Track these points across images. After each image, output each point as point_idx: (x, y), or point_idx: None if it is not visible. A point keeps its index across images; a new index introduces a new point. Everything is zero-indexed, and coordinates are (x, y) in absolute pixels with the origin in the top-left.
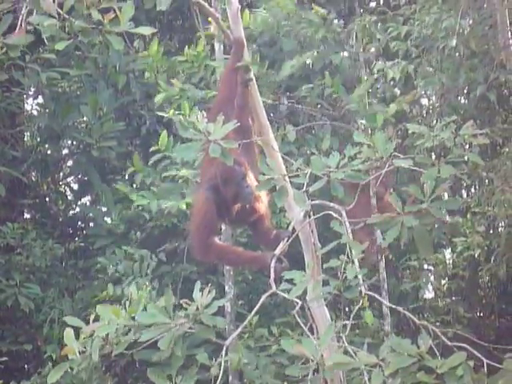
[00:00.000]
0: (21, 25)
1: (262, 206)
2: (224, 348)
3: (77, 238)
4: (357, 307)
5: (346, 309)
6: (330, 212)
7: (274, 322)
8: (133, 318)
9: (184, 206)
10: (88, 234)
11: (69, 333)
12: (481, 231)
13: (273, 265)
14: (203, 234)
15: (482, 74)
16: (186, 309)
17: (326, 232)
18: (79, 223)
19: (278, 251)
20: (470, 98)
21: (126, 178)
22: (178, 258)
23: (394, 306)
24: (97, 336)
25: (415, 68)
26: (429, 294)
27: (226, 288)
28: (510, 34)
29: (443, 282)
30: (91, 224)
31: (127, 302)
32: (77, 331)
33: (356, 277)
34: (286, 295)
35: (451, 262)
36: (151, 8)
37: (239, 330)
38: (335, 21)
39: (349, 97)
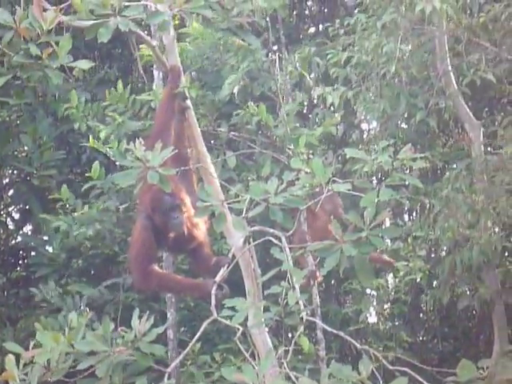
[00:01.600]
0: None
1: (201, 233)
2: (166, 375)
3: (18, 268)
4: (298, 333)
5: (289, 335)
6: (270, 238)
7: (217, 349)
8: (72, 346)
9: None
10: (29, 263)
11: (10, 359)
12: (422, 255)
13: (214, 292)
14: (142, 262)
15: (422, 100)
16: (123, 337)
17: (266, 257)
18: (21, 252)
19: (218, 278)
20: (411, 124)
21: (67, 206)
22: (119, 286)
23: (334, 331)
24: (37, 362)
25: (355, 94)
26: (371, 319)
27: (168, 315)
28: (448, 60)
29: (385, 306)
30: (33, 253)
31: (67, 329)
32: (18, 358)
33: (297, 303)
34: (227, 322)
35: (393, 286)
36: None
37: (181, 356)
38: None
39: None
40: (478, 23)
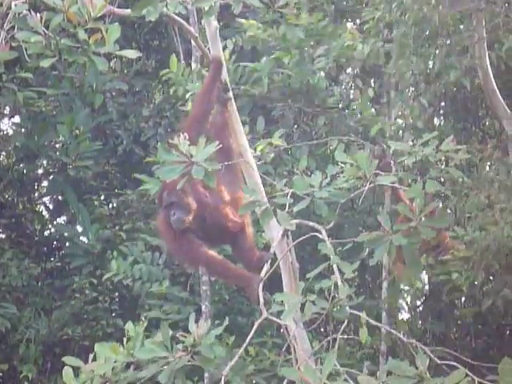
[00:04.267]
0: (4, 41)
1: (237, 224)
2: (222, 378)
3: (53, 258)
4: (342, 327)
5: (321, 329)
6: (316, 234)
7: (251, 342)
8: (131, 355)
9: None
10: (64, 253)
11: (68, 373)
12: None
13: (261, 289)
14: (178, 246)
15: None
16: (183, 342)
17: (301, 252)
18: (55, 243)
19: (263, 274)
20: (448, 118)
21: (102, 197)
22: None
23: (379, 324)
24: (96, 375)
25: (386, 49)
26: (405, 315)
27: (203, 308)
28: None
29: (419, 302)
30: (67, 243)
31: (124, 339)
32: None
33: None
34: (278, 320)
35: (427, 281)
36: (129, 27)
37: (236, 358)
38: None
39: (324, 117)
40: None
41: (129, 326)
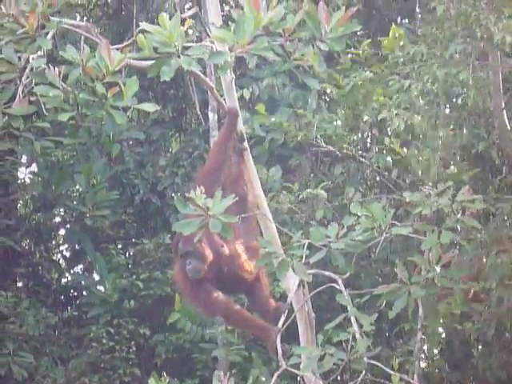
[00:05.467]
0: (22, 95)
1: (250, 274)
2: None
3: (70, 307)
4: (360, 377)
5: (338, 378)
6: (333, 284)
7: None
8: None
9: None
10: (81, 302)
11: None
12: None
13: (279, 341)
14: (194, 295)
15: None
16: None
17: (317, 301)
18: (72, 291)
19: (280, 325)
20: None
21: (119, 247)
22: (172, 326)
23: (396, 374)
24: None
25: (420, 120)
26: (422, 363)
27: (220, 358)
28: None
29: (436, 351)
30: (84, 292)
31: None
32: None
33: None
34: (297, 372)
35: (444, 330)
36: (145, 76)
37: None
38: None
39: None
40: None
41: (151, 382)
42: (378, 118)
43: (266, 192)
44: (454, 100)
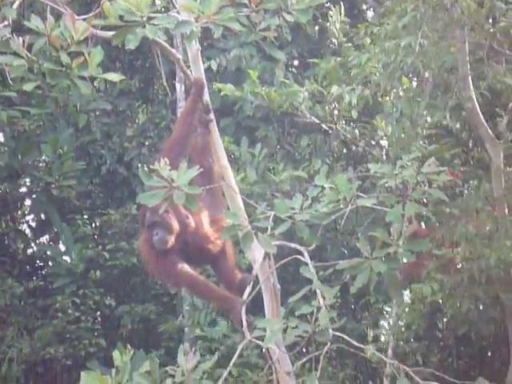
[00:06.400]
0: None
1: (216, 245)
2: None
3: (36, 277)
4: (325, 348)
5: (303, 350)
6: (298, 256)
7: (234, 363)
8: None
9: None
10: (47, 272)
11: None
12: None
13: (244, 312)
14: (159, 266)
15: (442, 102)
16: (173, 376)
17: (283, 272)
18: (38, 262)
19: (246, 297)
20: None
21: (86, 217)
22: (138, 297)
23: (362, 346)
24: None
25: (374, 95)
26: (386, 337)
27: (186, 329)
28: (468, 66)
29: (401, 323)
30: (50, 263)
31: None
32: None
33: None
34: (261, 343)
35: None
36: (112, 47)
37: (219, 383)
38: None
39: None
40: (501, 29)
41: (116, 354)
42: (331, 92)
43: (233, 164)
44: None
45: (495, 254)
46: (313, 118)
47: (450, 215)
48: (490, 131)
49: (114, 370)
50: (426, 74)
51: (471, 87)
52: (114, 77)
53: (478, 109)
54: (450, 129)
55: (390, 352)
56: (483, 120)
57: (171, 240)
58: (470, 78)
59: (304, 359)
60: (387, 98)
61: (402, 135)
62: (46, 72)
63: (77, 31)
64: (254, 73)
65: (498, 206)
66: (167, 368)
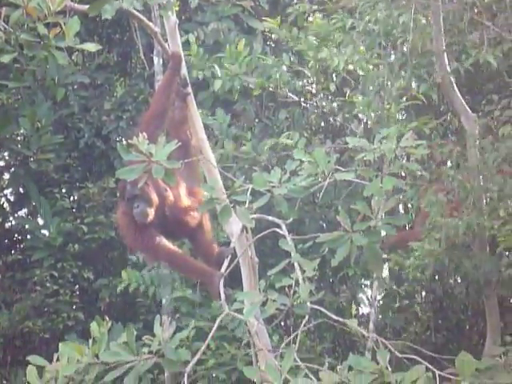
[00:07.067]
0: None
1: (194, 218)
2: (185, 375)
3: (14, 251)
4: (303, 322)
5: (282, 323)
6: (276, 229)
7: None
8: (97, 356)
9: None
10: (25, 246)
11: (31, 372)
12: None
13: (222, 285)
14: (138, 239)
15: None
16: (149, 345)
17: (261, 246)
18: (16, 235)
19: (224, 270)
20: (409, 113)
21: (64, 190)
22: (116, 270)
23: (341, 319)
24: (61, 375)
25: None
26: (365, 309)
27: (163, 301)
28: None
29: (379, 297)
30: (28, 236)
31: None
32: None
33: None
34: (240, 316)
35: (388, 276)
36: (90, 21)
37: (198, 356)
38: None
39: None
40: (482, 1)
41: (93, 326)
42: (318, 56)
43: (211, 137)
44: (397, 42)
45: (463, 222)
46: (289, 94)
47: (421, 178)
48: (464, 104)
49: (91, 341)
50: (404, 48)
51: (446, 61)
52: (91, 47)
53: (454, 82)
54: (429, 101)
55: (371, 325)
56: (458, 93)
57: (151, 213)
58: (444, 51)
59: (283, 333)
60: (370, 67)
61: (381, 107)
62: (24, 43)
63: (53, 2)
64: (232, 48)
65: (471, 176)
66: (144, 338)
